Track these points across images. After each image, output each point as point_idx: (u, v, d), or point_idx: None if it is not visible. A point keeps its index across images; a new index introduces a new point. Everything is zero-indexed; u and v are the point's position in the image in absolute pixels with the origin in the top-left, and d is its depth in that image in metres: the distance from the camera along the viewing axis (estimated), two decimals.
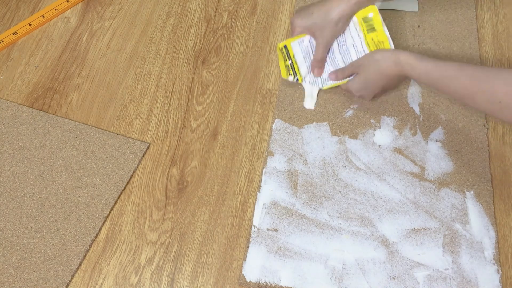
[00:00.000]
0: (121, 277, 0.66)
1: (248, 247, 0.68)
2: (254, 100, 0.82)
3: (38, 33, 0.90)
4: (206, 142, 0.78)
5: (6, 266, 0.66)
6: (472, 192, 0.72)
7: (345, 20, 0.76)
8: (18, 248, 0.67)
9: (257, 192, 0.72)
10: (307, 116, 0.79)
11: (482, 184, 0.73)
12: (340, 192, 0.72)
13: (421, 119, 0.79)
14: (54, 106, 0.81)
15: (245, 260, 0.67)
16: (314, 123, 0.79)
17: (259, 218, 0.70)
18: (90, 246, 0.68)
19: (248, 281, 0.65)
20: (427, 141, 0.77)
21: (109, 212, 0.71)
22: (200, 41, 0.89)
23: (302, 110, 0.80)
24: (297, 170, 0.74)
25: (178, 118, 0.80)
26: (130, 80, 0.84)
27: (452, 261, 0.67)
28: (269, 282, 0.65)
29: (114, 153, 0.75)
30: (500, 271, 0.66)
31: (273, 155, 0.75)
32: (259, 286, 0.65)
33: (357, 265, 0.66)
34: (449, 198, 0.72)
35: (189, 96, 0.82)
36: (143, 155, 0.76)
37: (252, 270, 0.66)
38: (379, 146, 0.76)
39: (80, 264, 0.67)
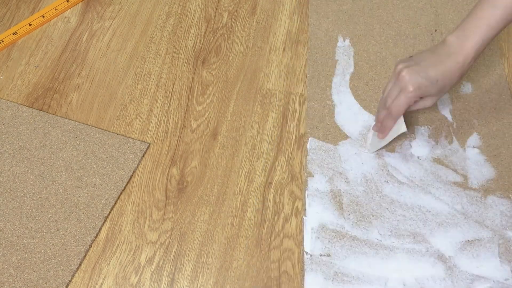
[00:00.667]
0: (121, 277, 0.66)
1: (303, 275, 0.65)
2: (254, 100, 0.82)
3: (38, 33, 0.90)
4: (206, 142, 0.78)
5: (6, 266, 0.66)
6: None
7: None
8: (18, 248, 0.67)
9: (303, 217, 0.70)
10: (340, 132, 0.78)
11: None
12: (387, 209, 0.70)
13: (454, 126, 0.78)
14: (54, 106, 0.81)
15: None
16: (349, 139, 0.77)
17: (310, 244, 0.67)
18: (90, 246, 0.68)
19: None
20: (464, 149, 0.75)
21: (109, 212, 0.71)
22: (200, 41, 0.89)
23: (334, 126, 0.78)
24: (340, 190, 0.72)
25: (178, 118, 0.80)
26: (130, 80, 0.84)
27: (511, 270, 0.65)
28: None
29: (114, 153, 0.75)
30: None
31: (313, 176, 0.73)
32: None
33: (417, 285, 0.64)
34: (496, 206, 0.70)
35: (189, 96, 0.82)
36: (143, 155, 0.76)
37: None
38: (418, 157, 0.75)
39: (80, 264, 0.67)
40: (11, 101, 0.81)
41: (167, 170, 0.75)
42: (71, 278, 0.65)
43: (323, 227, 0.69)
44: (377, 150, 0.75)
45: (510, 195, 0.71)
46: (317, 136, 0.77)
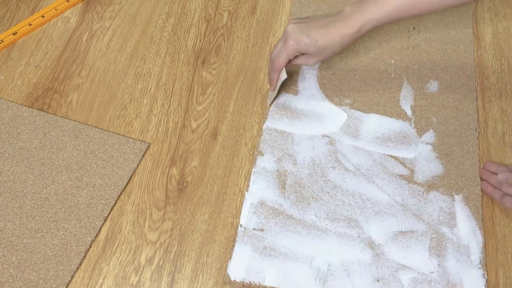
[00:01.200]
0: (121, 277, 0.66)
1: (234, 246, 0.68)
2: (254, 100, 0.82)
3: (38, 33, 0.90)
4: (206, 142, 0.78)
5: (6, 266, 0.66)
6: (460, 195, 0.72)
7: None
8: (18, 248, 0.67)
9: (245, 192, 0.72)
10: (299, 116, 0.79)
11: (471, 187, 0.73)
12: (328, 193, 0.72)
13: (412, 121, 0.79)
14: (54, 106, 0.81)
15: (230, 259, 0.67)
16: (306, 123, 0.79)
17: (246, 217, 0.70)
18: (90, 246, 0.68)
19: (232, 280, 0.65)
20: (417, 144, 0.77)
21: (109, 212, 0.71)
22: (200, 41, 0.89)
23: (293, 111, 0.80)
24: (286, 170, 0.74)
25: (178, 118, 0.80)
26: (130, 80, 0.84)
27: (438, 265, 0.67)
28: (254, 282, 0.65)
29: (114, 153, 0.75)
30: (486, 275, 0.66)
31: (263, 155, 0.75)
32: (243, 285, 0.65)
33: (342, 267, 0.66)
34: (437, 201, 0.72)
35: (189, 96, 0.82)
36: (143, 155, 0.76)
37: (237, 269, 0.66)
38: (370, 148, 0.76)
39: (80, 264, 0.67)
40: (11, 101, 0.81)
41: (167, 170, 0.75)
42: (71, 278, 0.65)
43: (262, 204, 0.71)
44: (273, 102, 0.80)
45: (453, 193, 0.72)
46: (275, 119, 0.79)
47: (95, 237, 0.69)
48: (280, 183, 0.73)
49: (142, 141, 0.77)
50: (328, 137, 0.77)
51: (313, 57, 0.74)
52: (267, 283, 0.65)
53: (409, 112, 0.80)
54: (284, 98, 0.81)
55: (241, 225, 0.69)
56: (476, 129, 0.78)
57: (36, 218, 0.69)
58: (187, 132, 0.79)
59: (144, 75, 0.85)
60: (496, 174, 0.71)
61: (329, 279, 0.65)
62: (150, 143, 0.77)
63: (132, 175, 0.74)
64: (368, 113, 0.80)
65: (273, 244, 0.68)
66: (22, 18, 0.91)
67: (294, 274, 0.66)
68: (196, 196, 0.73)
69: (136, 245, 0.69)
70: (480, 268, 0.66)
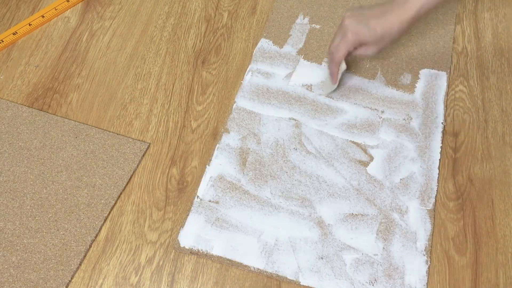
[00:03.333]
0: (121, 277, 0.66)
1: (188, 215, 0.69)
2: None
3: (38, 33, 0.90)
4: (206, 142, 0.78)
5: (6, 266, 0.66)
6: None
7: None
8: (18, 248, 0.67)
9: (206, 166, 0.74)
10: (269, 98, 0.81)
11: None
12: (286, 172, 0.74)
13: (380, 111, 0.80)
14: (54, 106, 0.81)
15: (182, 227, 0.69)
16: (275, 105, 0.80)
17: (203, 189, 0.72)
18: (90, 246, 0.68)
19: (181, 246, 0.67)
20: (380, 132, 0.78)
21: (109, 212, 0.71)
22: (200, 41, 0.89)
23: (263, 94, 0.81)
24: (249, 149, 0.76)
25: (178, 118, 0.80)
26: (130, 80, 0.84)
27: (383, 248, 0.68)
28: (201, 249, 0.67)
29: (114, 153, 0.75)
30: (429, 262, 0.67)
31: (229, 133, 0.77)
32: (191, 252, 0.67)
33: (289, 242, 0.68)
34: (392, 188, 0.73)
35: (189, 96, 0.82)
36: (143, 155, 0.76)
37: (187, 237, 0.68)
38: (334, 133, 0.78)
39: (80, 264, 0.67)
40: (11, 101, 0.81)
41: (167, 170, 0.75)
42: (71, 278, 0.65)
43: (220, 178, 0.73)
44: (330, 93, 0.81)
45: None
46: (245, 99, 0.81)
47: (95, 237, 0.69)
48: (241, 160, 0.75)
49: (142, 141, 0.77)
50: (295, 119, 0.78)
51: (372, 47, 0.75)
52: (214, 252, 0.67)
53: (380, 103, 0.81)
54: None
55: (197, 196, 0.71)
56: (442, 122, 0.79)
57: (36, 218, 0.69)
58: (187, 132, 0.79)
59: (144, 75, 0.85)
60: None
61: (275, 253, 0.67)
62: (150, 143, 0.77)
63: (132, 175, 0.74)
64: (337, 101, 0.81)
65: (225, 216, 0.70)
66: (22, 18, 0.91)
67: (241, 245, 0.68)
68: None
69: (136, 245, 0.69)
70: (424, 255, 0.67)
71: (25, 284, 0.64)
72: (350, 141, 0.77)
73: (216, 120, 0.80)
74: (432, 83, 0.83)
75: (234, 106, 0.80)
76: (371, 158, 0.75)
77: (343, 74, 0.81)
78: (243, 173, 0.73)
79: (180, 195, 0.73)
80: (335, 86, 0.80)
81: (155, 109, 0.81)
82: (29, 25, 0.89)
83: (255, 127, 0.78)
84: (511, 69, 0.86)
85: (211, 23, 0.91)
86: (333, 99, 0.81)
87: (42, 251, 0.67)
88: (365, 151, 0.76)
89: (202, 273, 0.67)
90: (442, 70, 0.85)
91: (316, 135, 0.77)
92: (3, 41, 0.87)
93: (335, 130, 0.78)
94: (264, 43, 0.88)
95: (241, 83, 0.83)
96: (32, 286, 0.64)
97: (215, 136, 0.78)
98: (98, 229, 0.69)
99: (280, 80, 0.83)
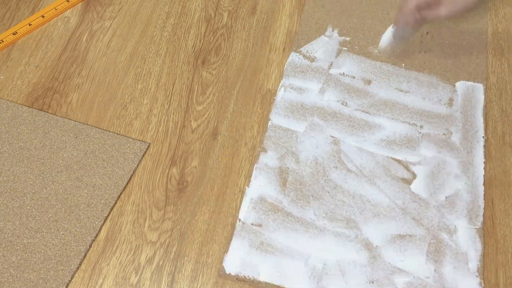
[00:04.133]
0: (121, 277, 0.66)
1: (231, 240, 0.68)
2: (254, 100, 0.82)
3: (38, 33, 0.90)
4: (206, 142, 0.78)
5: (6, 266, 0.66)
6: None
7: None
8: (18, 248, 0.67)
9: (246, 187, 0.72)
10: (304, 114, 0.79)
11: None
12: (328, 192, 0.72)
13: (419, 126, 0.79)
14: (54, 106, 0.81)
15: (226, 253, 0.67)
16: (310, 121, 0.79)
17: (245, 212, 0.70)
18: (90, 246, 0.68)
19: (227, 273, 0.66)
20: (421, 148, 0.76)
21: (109, 212, 0.71)
22: (200, 41, 0.89)
23: (296, 108, 0.80)
24: (288, 168, 0.74)
25: (178, 118, 0.80)
26: (130, 80, 0.84)
27: (435, 270, 0.66)
28: (248, 276, 0.65)
29: (114, 153, 0.75)
30: (483, 284, 0.66)
31: (266, 152, 0.76)
32: (237, 278, 0.65)
33: (337, 266, 0.66)
34: (438, 207, 0.71)
35: (189, 96, 0.82)
36: (143, 155, 0.76)
37: (232, 262, 0.66)
38: (373, 150, 0.76)
39: (80, 264, 0.67)
40: (11, 101, 0.81)
41: (167, 170, 0.75)
42: (71, 278, 0.65)
43: (262, 199, 0.71)
44: (386, 47, 0.85)
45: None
46: (280, 116, 0.79)
47: (95, 237, 0.69)
48: (281, 180, 0.73)
49: (142, 141, 0.77)
50: (333, 137, 0.77)
51: (444, 6, 0.71)
52: (261, 278, 0.65)
53: (418, 117, 0.79)
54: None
55: (239, 220, 0.70)
56: (483, 136, 0.78)
57: (36, 218, 0.69)
58: (187, 132, 0.79)
59: (144, 75, 0.85)
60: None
61: (324, 277, 0.65)
62: (150, 143, 0.77)
63: (132, 175, 0.74)
64: (374, 115, 0.80)
65: (270, 240, 0.68)
66: (22, 18, 0.91)
67: (288, 270, 0.66)
68: (196, 196, 0.73)
69: (136, 245, 0.69)
70: (477, 276, 0.66)
71: (25, 284, 0.64)
72: (391, 158, 0.75)
73: (216, 120, 0.80)
74: (470, 96, 0.82)
75: (270, 123, 0.78)
76: (414, 176, 0.73)
77: (405, 37, 0.82)
78: (284, 194, 0.71)
79: (180, 195, 0.73)
80: (395, 40, 0.81)
81: (155, 109, 0.81)
82: (29, 25, 0.89)
83: (292, 145, 0.76)
84: (511, 69, 0.86)
85: (211, 23, 0.91)
86: (369, 114, 0.79)
87: (42, 251, 0.67)
88: (407, 168, 0.74)
89: (202, 273, 0.67)
90: (478, 82, 0.84)
91: (356, 152, 0.75)
92: (3, 41, 0.87)
93: (375, 147, 0.76)
94: (295, 57, 0.86)
95: (274, 99, 0.81)
96: (32, 286, 0.64)
97: (215, 136, 0.78)
98: (98, 229, 0.69)
99: (314, 95, 0.81)
